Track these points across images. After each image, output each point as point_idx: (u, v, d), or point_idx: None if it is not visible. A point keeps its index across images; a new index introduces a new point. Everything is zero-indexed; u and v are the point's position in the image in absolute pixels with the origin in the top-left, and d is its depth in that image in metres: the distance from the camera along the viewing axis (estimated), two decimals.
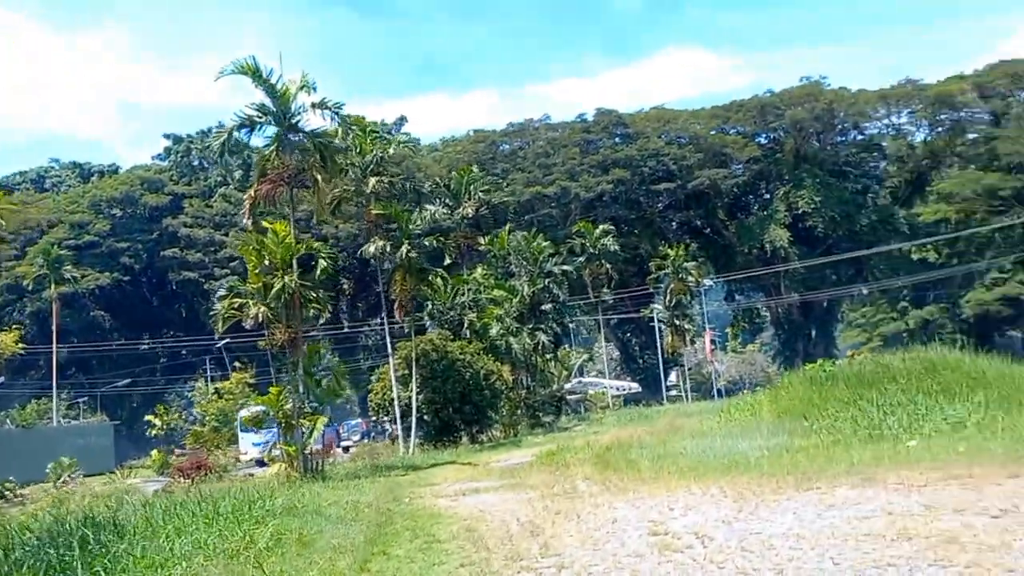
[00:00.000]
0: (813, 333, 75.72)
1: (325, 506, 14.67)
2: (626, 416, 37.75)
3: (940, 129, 71.72)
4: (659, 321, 57.03)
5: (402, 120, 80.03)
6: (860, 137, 75.07)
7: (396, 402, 31.30)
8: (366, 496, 16.23)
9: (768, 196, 72.79)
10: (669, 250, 53.73)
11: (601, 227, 51.78)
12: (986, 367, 18.01)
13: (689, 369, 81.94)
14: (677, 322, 52.03)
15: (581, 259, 50.69)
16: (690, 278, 52.71)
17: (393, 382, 31.46)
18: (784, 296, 71.54)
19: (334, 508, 14.38)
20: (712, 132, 70.27)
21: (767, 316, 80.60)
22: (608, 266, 52.03)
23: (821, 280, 71.53)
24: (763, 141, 73.17)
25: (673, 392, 69.68)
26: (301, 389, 22.78)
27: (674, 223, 76.55)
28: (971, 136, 70.26)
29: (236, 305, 23.40)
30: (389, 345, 31.52)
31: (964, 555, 6.70)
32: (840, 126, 71.71)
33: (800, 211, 67.03)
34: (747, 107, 70.33)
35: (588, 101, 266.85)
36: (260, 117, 24.62)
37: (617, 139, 70.94)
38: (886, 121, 74.60)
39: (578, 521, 10.87)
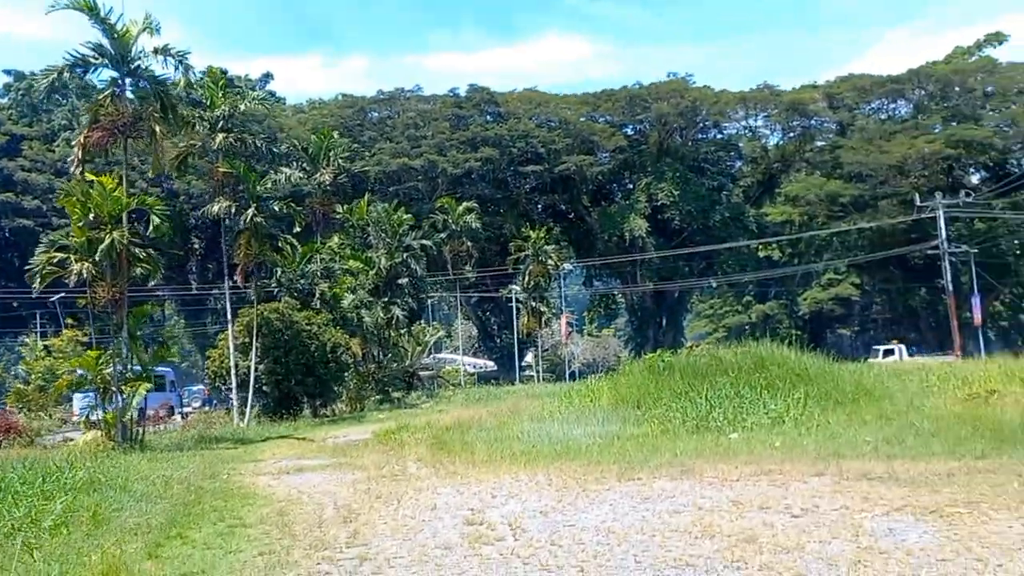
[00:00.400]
0: (664, 321, 78.47)
1: (132, 480, 13.60)
2: (475, 395, 37.74)
3: (792, 134, 75.52)
4: (517, 302, 57.43)
5: (267, 77, 76.79)
6: (719, 136, 78.03)
7: (234, 371, 29.85)
8: (182, 471, 15.20)
9: (631, 186, 74.54)
10: (531, 232, 54.06)
11: (464, 204, 51.43)
12: (810, 364, 18.86)
13: (545, 350, 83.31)
14: (534, 304, 52.53)
15: (443, 235, 50.19)
16: (550, 261, 53.28)
17: (231, 350, 29.99)
18: (639, 284, 73.72)
19: (142, 483, 13.34)
20: (581, 119, 71.10)
21: (623, 302, 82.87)
22: (470, 244, 51.83)
23: (674, 271, 74.07)
24: (630, 132, 74.71)
25: (528, 372, 70.56)
26: (125, 352, 21.21)
27: (539, 206, 77.29)
28: (819, 144, 74.40)
29: (55, 260, 21.48)
30: (229, 311, 29.96)
31: (759, 556, 6.73)
32: (702, 124, 74.20)
33: (659, 203, 68.95)
34: (616, 97, 71.55)
35: (464, 77, 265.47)
36: (95, 58, 22.65)
37: (488, 117, 70.63)
38: (744, 123, 77.87)
39: (397, 506, 10.46)
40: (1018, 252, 65.78)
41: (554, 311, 66.47)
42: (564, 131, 69.20)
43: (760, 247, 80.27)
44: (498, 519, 9.08)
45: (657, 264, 71.44)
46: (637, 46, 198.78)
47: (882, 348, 56.83)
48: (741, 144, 75.97)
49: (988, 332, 74.82)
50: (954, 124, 64.80)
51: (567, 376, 66.49)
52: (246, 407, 30.15)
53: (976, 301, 58.90)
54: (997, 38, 72.18)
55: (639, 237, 68.12)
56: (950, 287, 55.58)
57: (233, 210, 29.43)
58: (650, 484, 10.30)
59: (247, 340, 30.36)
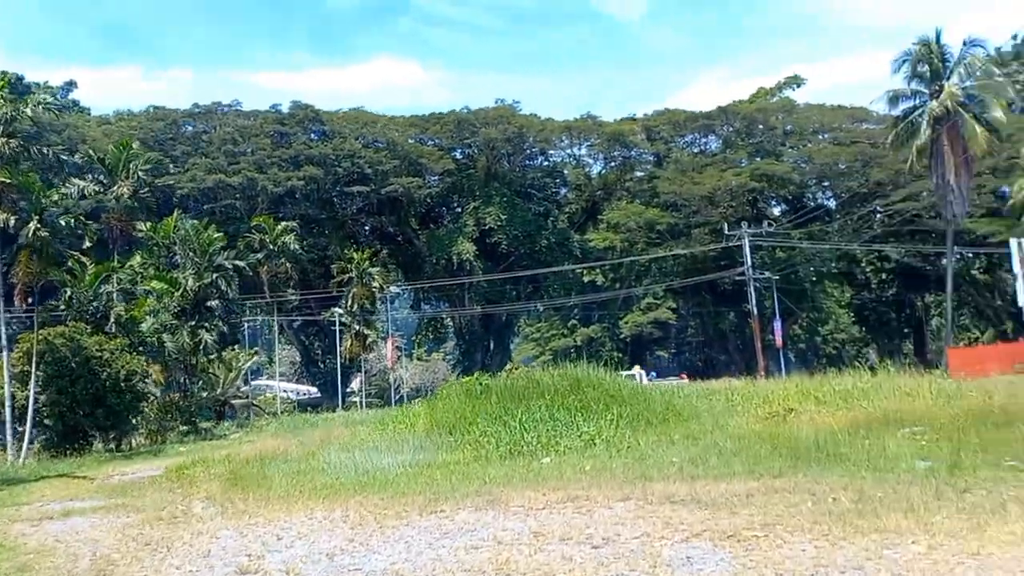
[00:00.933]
0: (492, 345, 78.86)
1: None
2: (290, 424, 35.79)
3: (613, 164, 78.44)
4: (341, 325, 55.56)
5: (70, 85, 70.79)
6: (546, 163, 79.81)
7: (9, 402, 26.53)
8: None
9: (459, 209, 74.64)
10: (356, 254, 52.59)
11: (283, 224, 49.18)
12: (624, 385, 18.91)
13: (373, 375, 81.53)
14: (358, 327, 50.96)
15: (260, 255, 47.70)
16: (374, 283, 52.01)
17: (7, 379, 26.65)
18: (467, 307, 73.70)
19: None
20: (410, 141, 70.55)
21: (451, 326, 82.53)
22: (289, 265, 49.57)
23: (502, 295, 74.67)
24: (458, 156, 74.96)
25: (354, 398, 68.53)
26: None
27: (367, 227, 75.80)
28: (638, 174, 77.69)
29: None
30: (4, 337, 26.60)
31: None
32: (529, 150, 75.63)
33: (487, 227, 69.37)
34: (445, 121, 71.57)
35: (294, 96, 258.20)
36: None
37: (313, 135, 68.64)
38: (569, 151, 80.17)
39: (165, 555, 9.17)
40: (813, 279, 71.21)
41: (381, 335, 65.13)
42: (392, 152, 68.31)
43: (584, 272, 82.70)
44: (276, 566, 8.06)
45: (484, 288, 71.72)
46: (468, 74, 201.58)
47: (624, 372, 59.05)
48: (566, 171, 77.93)
49: (789, 353, 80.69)
50: (758, 159, 69.56)
51: (394, 401, 65.12)
52: (24, 442, 26.85)
53: (777, 325, 63.13)
54: (795, 81, 78.56)
55: (467, 260, 68.17)
56: (755, 311, 59.26)
57: (12, 223, 26.28)
58: (453, 516, 9.60)
59: (26, 368, 27.13)
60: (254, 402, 47.61)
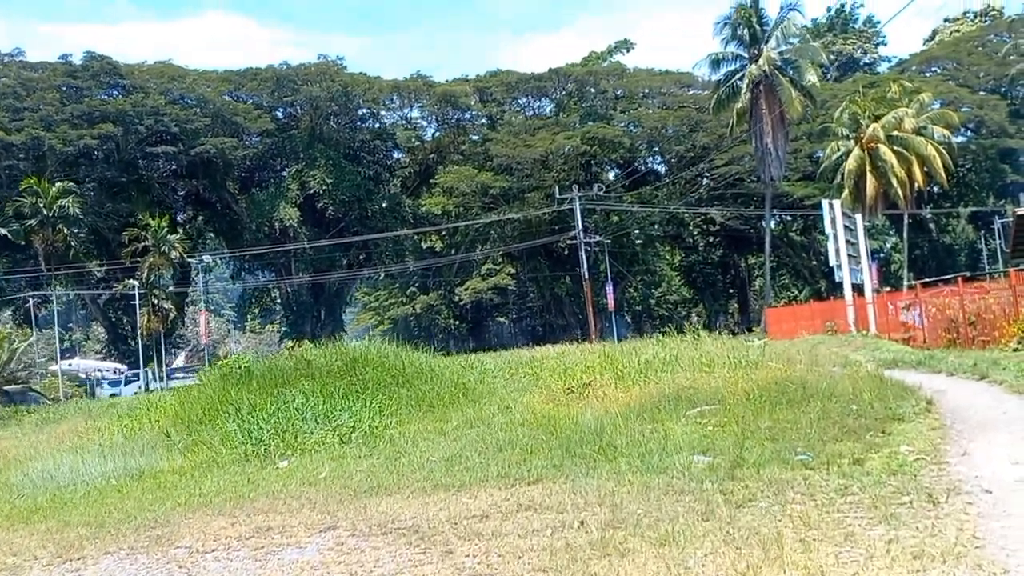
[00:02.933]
0: (322, 314, 75.07)
1: None
2: (61, 413, 31.35)
3: (447, 127, 75.87)
4: (140, 297, 50.39)
5: None
6: (377, 125, 76.15)
7: None
8: None
9: (284, 173, 70.06)
10: (152, 220, 47.53)
11: (58, 185, 43.50)
12: (411, 363, 16.70)
13: (201, 350, 75.75)
14: (156, 300, 46.21)
15: (32, 222, 42.00)
16: (174, 252, 47.24)
17: None
18: (294, 276, 69.59)
19: None
20: (225, 97, 65.04)
21: (278, 296, 77.99)
22: (67, 232, 44.03)
23: (331, 262, 71.01)
24: (280, 116, 70.14)
25: (180, 376, 63.15)
26: None
27: (179, 192, 69.80)
28: (472, 137, 75.50)
29: None
30: None
31: None
32: (356, 111, 71.72)
33: (312, 191, 65.34)
34: (263, 76, 66.42)
35: (112, 52, 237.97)
36: None
37: (115, 91, 61.82)
38: (400, 113, 76.87)
39: None
40: (643, 242, 71.88)
41: (197, 308, 60.19)
42: (203, 110, 62.70)
43: (422, 238, 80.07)
44: None
45: (311, 255, 67.80)
46: (309, 33, 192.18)
47: None
48: (397, 134, 74.57)
49: (625, 316, 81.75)
50: (590, 123, 69.00)
51: None
52: None
53: (609, 288, 63.21)
54: (625, 45, 78.66)
55: (290, 227, 64.00)
56: (586, 274, 58.85)
57: None
58: (86, 568, 7.01)
59: None
60: (32, 388, 42.16)
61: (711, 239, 78.13)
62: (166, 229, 47.09)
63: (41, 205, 42.00)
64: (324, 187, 65.18)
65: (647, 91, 74.28)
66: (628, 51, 78.37)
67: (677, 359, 15.68)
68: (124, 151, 59.77)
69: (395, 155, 79.33)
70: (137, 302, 49.09)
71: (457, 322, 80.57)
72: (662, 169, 76.81)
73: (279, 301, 77.84)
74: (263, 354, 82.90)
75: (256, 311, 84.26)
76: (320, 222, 68.83)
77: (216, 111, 63.01)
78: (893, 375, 13.84)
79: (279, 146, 68.27)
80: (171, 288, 48.49)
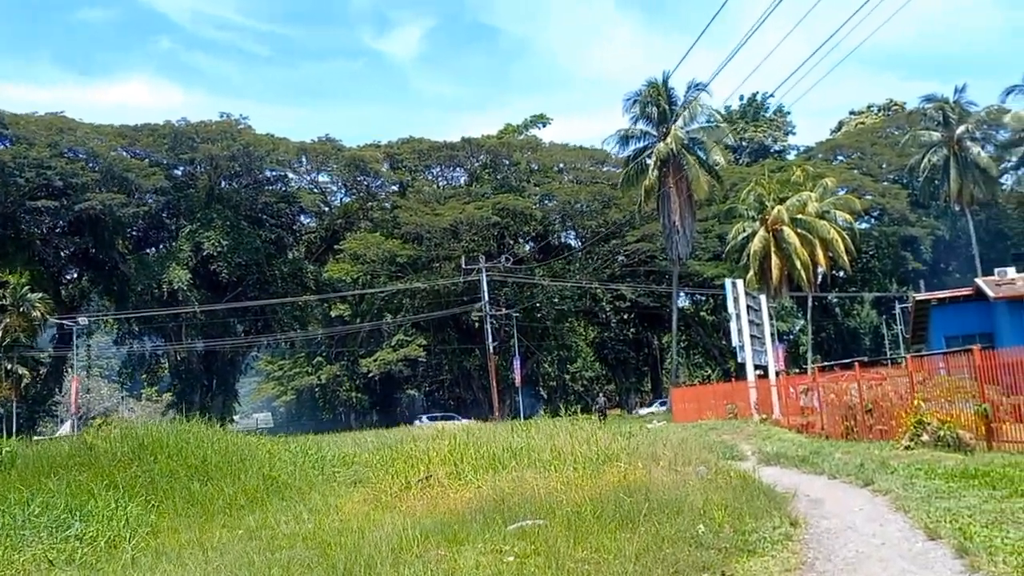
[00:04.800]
0: (213, 383, 70.67)
1: None
2: None
3: (356, 192, 73.84)
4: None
5: None
6: (283, 188, 73.49)
7: None
8: None
9: (179, 233, 66.52)
10: (11, 276, 43.57)
11: None
12: (220, 450, 14.03)
13: (92, 418, 70.01)
14: (9, 365, 41.92)
15: None
16: (35, 312, 43.22)
17: None
18: (183, 343, 65.36)
19: None
20: (116, 152, 61.60)
21: (166, 363, 73.25)
22: None
23: (225, 329, 67.14)
24: (178, 173, 66.91)
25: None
26: None
27: (65, 250, 65.29)
28: (383, 204, 73.52)
29: None
30: None
31: None
32: (260, 173, 68.97)
33: (206, 252, 61.91)
34: (160, 132, 63.33)
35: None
36: None
37: None
38: (309, 177, 74.58)
39: None
40: (554, 317, 70.35)
41: (74, 372, 55.52)
42: (92, 165, 59.13)
43: (331, 305, 76.85)
44: None
45: (203, 320, 63.87)
46: (233, 101, 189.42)
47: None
48: (302, 198, 71.92)
49: (540, 392, 79.54)
50: (502, 194, 67.91)
51: None
52: None
53: (517, 363, 61.10)
54: (542, 119, 78.64)
55: (180, 289, 60.20)
56: (490, 348, 56.73)
57: None
58: None
59: None
60: None
61: (624, 316, 77.27)
62: (26, 287, 43.08)
63: None
64: (219, 249, 61.88)
65: (561, 165, 74.02)
66: (544, 126, 78.40)
67: (534, 449, 13.47)
68: (2, 204, 55.58)
69: (301, 219, 76.69)
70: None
71: (359, 395, 76.97)
72: (575, 244, 76.07)
73: (167, 368, 73.06)
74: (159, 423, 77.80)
75: (143, 378, 78.98)
76: (214, 286, 65.23)
77: (107, 166, 59.57)
78: (769, 475, 11.92)
79: (174, 205, 65.02)
80: (46, 351, 44.08)
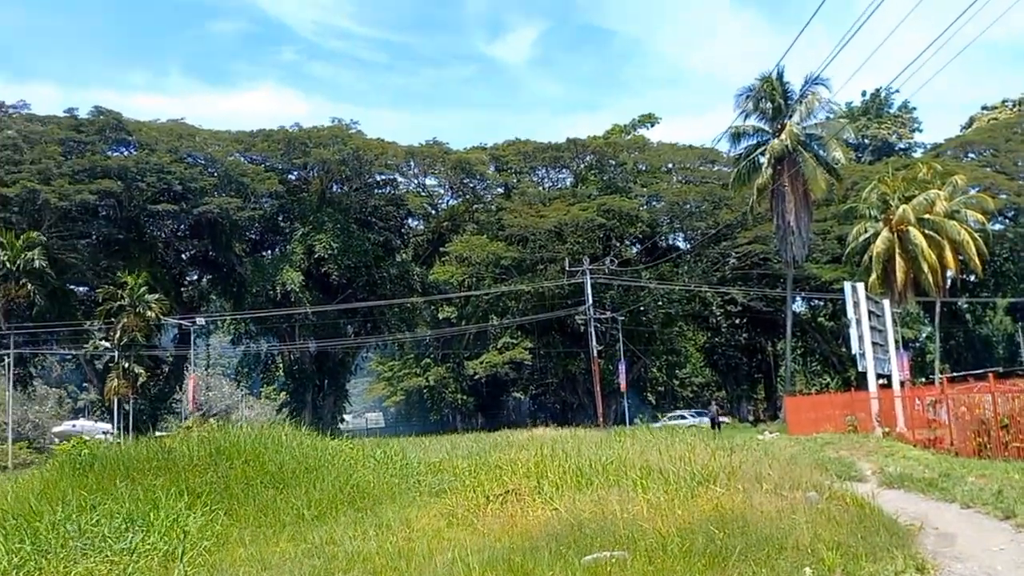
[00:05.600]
0: (325, 383, 72.21)
1: None
2: None
3: (462, 195, 74.03)
4: (109, 362, 47.96)
5: None
6: (392, 192, 74.48)
7: None
8: None
9: (291, 236, 68.37)
10: (129, 277, 45.40)
11: (25, 236, 41.61)
12: (298, 455, 13.61)
13: (214, 414, 73.08)
14: (126, 364, 43.71)
15: None
16: (150, 312, 44.90)
17: None
18: (296, 343, 67.10)
19: None
20: (233, 157, 63.84)
21: (281, 363, 75.43)
22: (31, 287, 41.93)
23: (336, 330, 68.50)
24: (292, 178, 68.79)
25: None
26: None
27: (186, 253, 68.20)
28: (489, 207, 73.42)
29: None
30: None
31: None
32: (370, 177, 70.09)
33: (318, 255, 63.32)
34: (274, 138, 65.21)
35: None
36: None
37: (121, 148, 60.93)
38: (416, 181, 75.27)
39: None
40: (662, 321, 68.38)
41: (190, 371, 57.81)
42: (210, 170, 61.45)
43: (439, 308, 77.41)
44: None
45: (315, 322, 65.31)
46: (346, 105, 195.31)
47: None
48: (409, 201, 72.60)
49: (648, 398, 77.62)
50: (609, 195, 66.55)
51: None
52: None
53: (622, 367, 59.63)
54: (650, 119, 76.66)
55: (292, 291, 61.73)
56: (594, 352, 55.43)
57: None
58: None
59: None
60: None
61: (735, 320, 74.48)
62: (144, 288, 44.85)
63: (7, 259, 40.05)
64: (330, 252, 63.15)
65: (670, 166, 72.03)
66: (652, 125, 76.42)
67: (626, 463, 12.43)
68: (127, 208, 58.41)
69: (409, 222, 77.52)
70: (108, 364, 46.54)
71: (465, 397, 76.98)
72: (684, 246, 73.79)
73: (282, 368, 75.24)
74: (274, 421, 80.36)
75: (260, 377, 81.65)
76: (325, 287, 66.66)
77: (224, 171, 61.78)
78: (891, 501, 10.48)
79: (287, 208, 66.80)
80: (167, 350, 45.82)
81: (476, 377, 70.84)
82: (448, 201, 76.15)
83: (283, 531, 10.69)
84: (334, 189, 67.79)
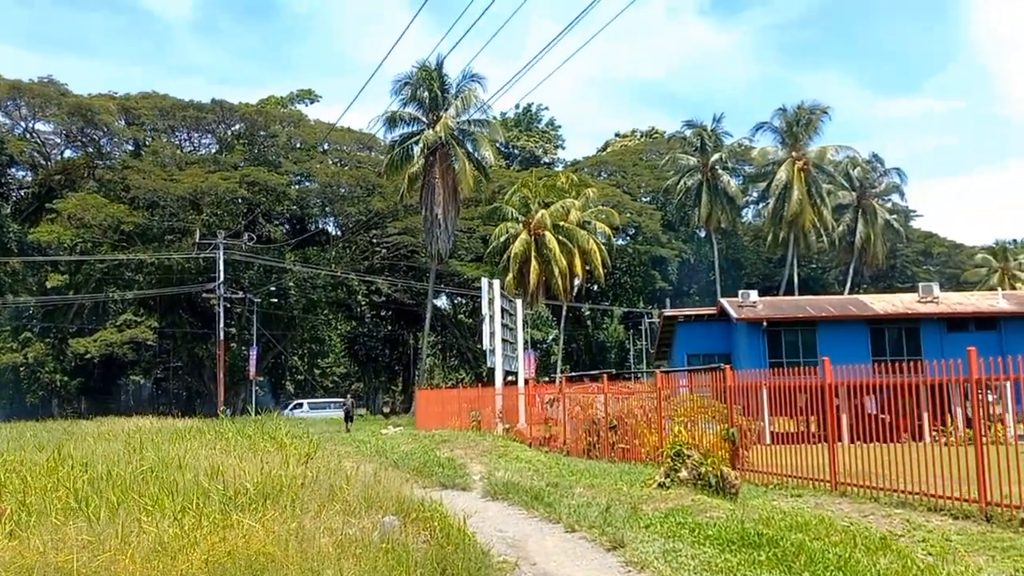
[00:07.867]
0: None
1: None
2: None
3: (83, 146, 64.07)
4: None
5: None
6: None
7: None
8: None
9: None
10: None
11: None
12: None
13: None
14: None
15: None
16: None
17: None
18: None
19: None
20: None
21: None
22: None
23: None
24: None
25: None
26: None
27: None
28: (114, 163, 64.27)
29: None
30: None
31: None
32: None
33: None
34: None
35: None
36: None
37: None
38: (25, 124, 63.61)
39: None
40: (302, 306, 64.96)
41: None
42: None
43: (47, 275, 65.76)
44: None
45: None
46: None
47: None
48: (8, 144, 60.95)
49: (287, 387, 73.27)
50: (256, 167, 61.61)
51: None
52: None
53: (253, 353, 55.41)
54: (309, 95, 72.83)
55: None
56: (220, 334, 50.61)
57: None
58: None
59: None
60: None
61: (380, 311, 73.43)
62: None
63: None
64: None
65: (326, 146, 68.79)
66: (312, 102, 72.71)
67: (165, 474, 9.36)
68: None
69: (13, 171, 65.32)
70: None
71: (67, 379, 66.43)
72: (335, 232, 71.10)
73: None
74: None
75: None
76: None
77: None
78: (492, 520, 8.77)
79: None
80: None
81: (88, 356, 61.17)
82: (64, 152, 65.41)
83: None
84: None
